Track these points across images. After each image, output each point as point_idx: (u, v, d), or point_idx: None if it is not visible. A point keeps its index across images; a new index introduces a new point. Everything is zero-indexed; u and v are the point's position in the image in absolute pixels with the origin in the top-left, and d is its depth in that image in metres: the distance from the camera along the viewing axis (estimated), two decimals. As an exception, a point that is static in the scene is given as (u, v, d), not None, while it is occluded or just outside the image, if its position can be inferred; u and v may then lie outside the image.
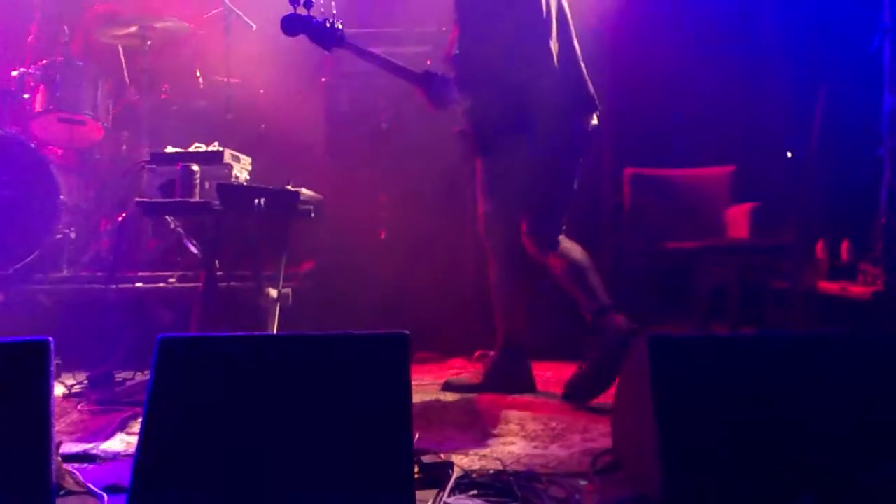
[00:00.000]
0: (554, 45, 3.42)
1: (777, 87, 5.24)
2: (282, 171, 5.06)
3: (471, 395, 3.48)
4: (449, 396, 3.50)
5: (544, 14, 3.42)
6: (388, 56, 3.52)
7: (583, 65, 3.53)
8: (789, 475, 1.77)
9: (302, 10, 3.34)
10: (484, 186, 3.51)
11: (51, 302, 4.42)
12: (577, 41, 4.73)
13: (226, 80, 5.00)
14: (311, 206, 3.43)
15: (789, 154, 5.20)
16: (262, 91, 5.26)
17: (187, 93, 5.30)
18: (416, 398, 3.38)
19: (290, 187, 3.34)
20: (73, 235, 4.71)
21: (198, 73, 5.20)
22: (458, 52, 3.39)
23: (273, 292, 3.57)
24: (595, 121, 3.58)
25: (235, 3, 4.97)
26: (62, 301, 4.41)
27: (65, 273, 4.62)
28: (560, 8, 3.51)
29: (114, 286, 4.28)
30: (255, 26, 4.91)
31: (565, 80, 3.43)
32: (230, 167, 3.51)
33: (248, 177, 3.72)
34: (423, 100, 3.47)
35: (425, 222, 4.51)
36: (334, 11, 3.44)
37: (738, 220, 4.87)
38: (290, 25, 3.36)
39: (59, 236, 4.62)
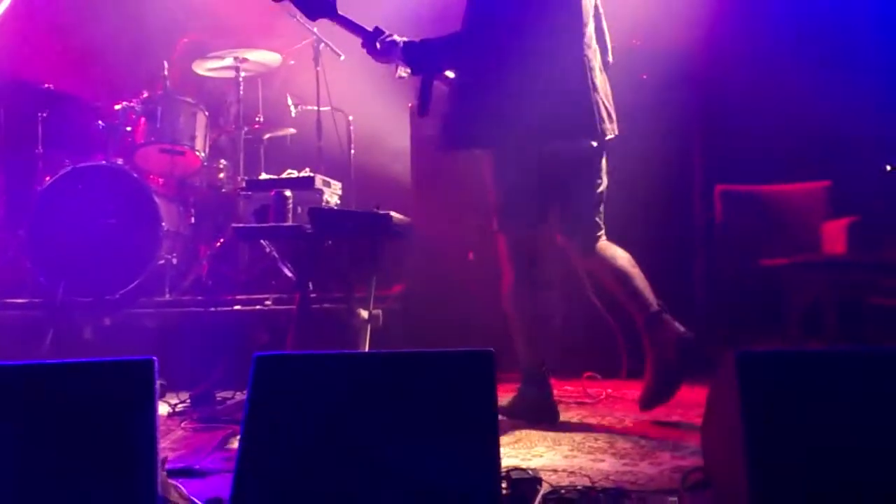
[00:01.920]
0: (592, 58, 3.30)
1: (874, 98, 5.09)
2: (371, 196, 5.20)
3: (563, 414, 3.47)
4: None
5: (584, 22, 3.28)
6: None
7: (598, 84, 3.33)
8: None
9: None
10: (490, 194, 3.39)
11: (154, 325, 4.62)
12: (667, 59, 4.76)
13: (316, 108, 5.15)
14: (400, 229, 3.50)
15: (889, 168, 5.03)
16: (350, 118, 5.40)
17: (279, 121, 5.48)
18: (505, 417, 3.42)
19: (378, 210, 3.42)
20: (174, 261, 4.91)
21: (289, 102, 5.37)
22: (461, 31, 3.23)
23: (364, 313, 3.66)
24: (593, 143, 3.33)
25: (324, 33, 5.12)
26: (165, 324, 4.60)
27: (167, 297, 4.82)
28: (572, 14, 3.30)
29: (213, 309, 4.46)
30: (343, 56, 5.06)
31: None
32: (321, 192, 3.63)
33: (338, 201, 3.84)
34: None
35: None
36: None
37: (835, 235, 4.74)
38: None
39: (161, 262, 4.82)
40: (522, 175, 3.27)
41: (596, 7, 3.44)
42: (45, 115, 5.07)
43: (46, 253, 4.75)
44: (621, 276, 3.35)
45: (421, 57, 3.25)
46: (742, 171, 5.19)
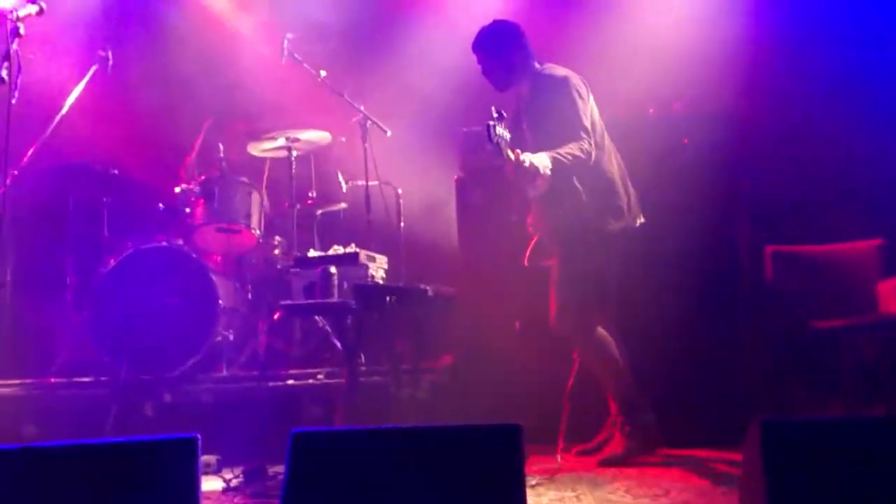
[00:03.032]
0: (610, 163, 3.96)
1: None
2: (421, 267, 5.32)
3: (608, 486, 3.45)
4: (584, 487, 3.46)
5: (598, 139, 3.92)
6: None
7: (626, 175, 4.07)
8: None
9: (497, 124, 3.62)
10: (560, 284, 3.88)
11: (212, 400, 4.73)
12: (708, 121, 4.82)
13: (364, 182, 5.31)
14: (443, 301, 3.57)
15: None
16: (399, 191, 5.55)
17: (332, 196, 5.65)
18: (554, 490, 3.40)
19: (420, 285, 3.50)
20: (231, 337, 5.04)
21: (340, 178, 5.54)
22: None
23: (410, 385, 3.71)
24: (642, 219, 4.11)
25: (371, 111, 5.31)
26: (222, 399, 4.71)
27: (224, 373, 4.95)
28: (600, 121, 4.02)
29: (268, 384, 4.57)
30: (389, 132, 5.22)
31: (623, 190, 3.98)
32: (366, 267, 3.72)
33: (384, 275, 3.92)
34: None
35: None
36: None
37: (890, 294, 4.64)
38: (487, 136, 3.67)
39: (218, 338, 4.96)
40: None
41: None
42: (109, 199, 5.31)
43: (110, 333, 4.92)
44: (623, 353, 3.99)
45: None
46: (791, 231, 5.15)
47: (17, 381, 4.88)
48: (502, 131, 3.62)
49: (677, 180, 4.60)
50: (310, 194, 5.65)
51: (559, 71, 4.02)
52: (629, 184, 4.08)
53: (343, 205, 5.64)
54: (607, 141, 4.05)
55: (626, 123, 4.66)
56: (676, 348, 4.50)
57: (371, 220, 5.29)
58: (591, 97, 4.04)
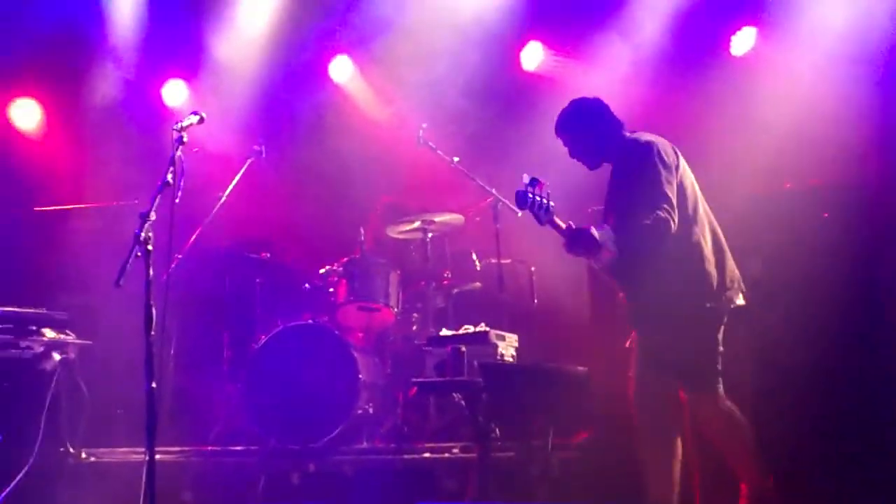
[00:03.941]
0: (702, 236, 3.74)
1: None
2: (553, 344, 5.39)
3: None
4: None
5: (690, 210, 3.74)
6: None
7: (726, 246, 3.83)
8: None
9: (529, 189, 3.64)
10: (638, 360, 3.71)
11: (352, 471, 4.93)
12: (850, 194, 4.69)
13: (497, 261, 5.47)
14: (572, 379, 3.64)
15: None
16: (532, 269, 5.67)
17: (465, 275, 5.85)
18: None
19: (549, 363, 3.59)
20: (371, 410, 5.26)
21: (473, 257, 5.73)
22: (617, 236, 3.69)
23: (542, 462, 3.77)
24: (741, 300, 3.80)
25: (502, 192, 5.51)
26: (361, 470, 4.91)
27: (364, 444, 5.16)
28: (695, 191, 3.83)
29: (403, 456, 4.73)
30: (520, 213, 5.37)
31: (716, 266, 3.74)
32: (495, 346, 3.84)
33: (514, 353, 4.03)
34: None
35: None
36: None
37: None
38: (518, 201, 3.69)
39: (359, 412, 5.19)
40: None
41: None
42: (261, 280, 5.72)
43: (260, 404, 5.25)
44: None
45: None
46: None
47: (178, 449, 5.26)
48: (540, 199, 3.61)
49: (819, 255, 4.48)
50: (445, 274, 5.86)
51: (645, 137, 3.87)
52: (727, 260, 3.84)
53: (477, 284, 5.80)
54: (702, 212, 3.84)
55: (763, 199, 4.61)
56: (825, 427, 4.34)
57: (504, 298, 5.42)
58: (685, 166, 3.87)
